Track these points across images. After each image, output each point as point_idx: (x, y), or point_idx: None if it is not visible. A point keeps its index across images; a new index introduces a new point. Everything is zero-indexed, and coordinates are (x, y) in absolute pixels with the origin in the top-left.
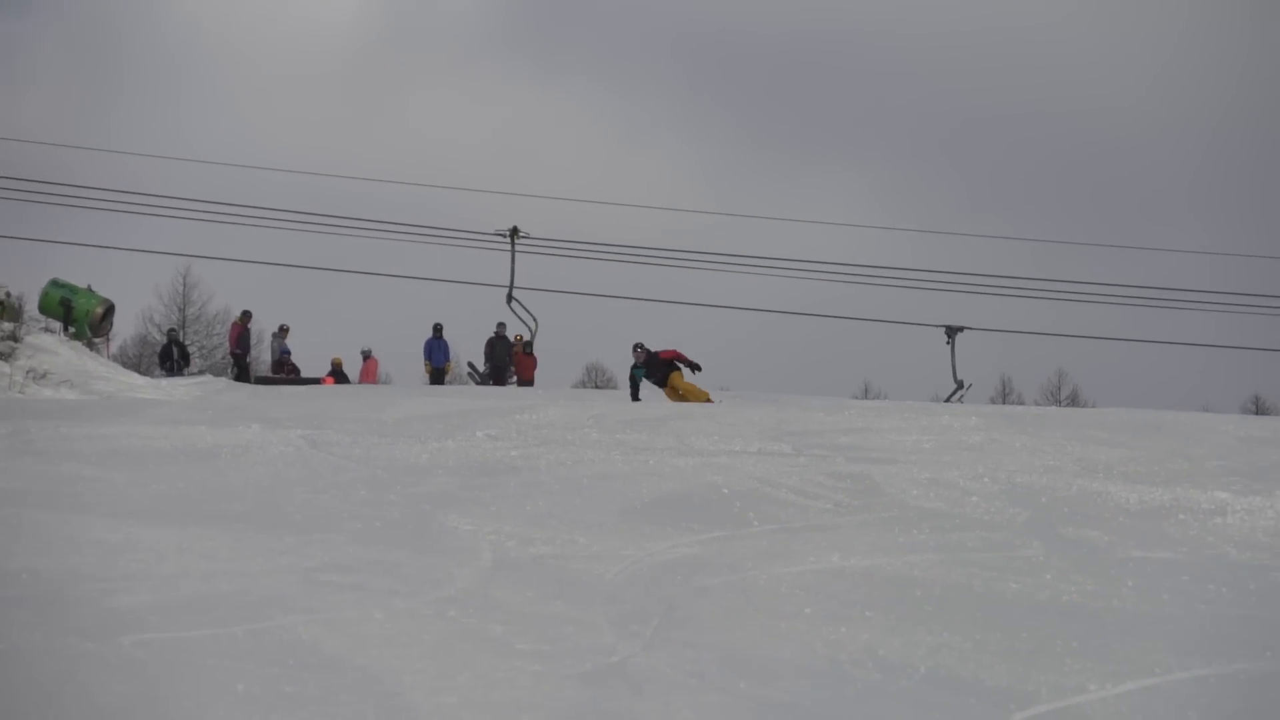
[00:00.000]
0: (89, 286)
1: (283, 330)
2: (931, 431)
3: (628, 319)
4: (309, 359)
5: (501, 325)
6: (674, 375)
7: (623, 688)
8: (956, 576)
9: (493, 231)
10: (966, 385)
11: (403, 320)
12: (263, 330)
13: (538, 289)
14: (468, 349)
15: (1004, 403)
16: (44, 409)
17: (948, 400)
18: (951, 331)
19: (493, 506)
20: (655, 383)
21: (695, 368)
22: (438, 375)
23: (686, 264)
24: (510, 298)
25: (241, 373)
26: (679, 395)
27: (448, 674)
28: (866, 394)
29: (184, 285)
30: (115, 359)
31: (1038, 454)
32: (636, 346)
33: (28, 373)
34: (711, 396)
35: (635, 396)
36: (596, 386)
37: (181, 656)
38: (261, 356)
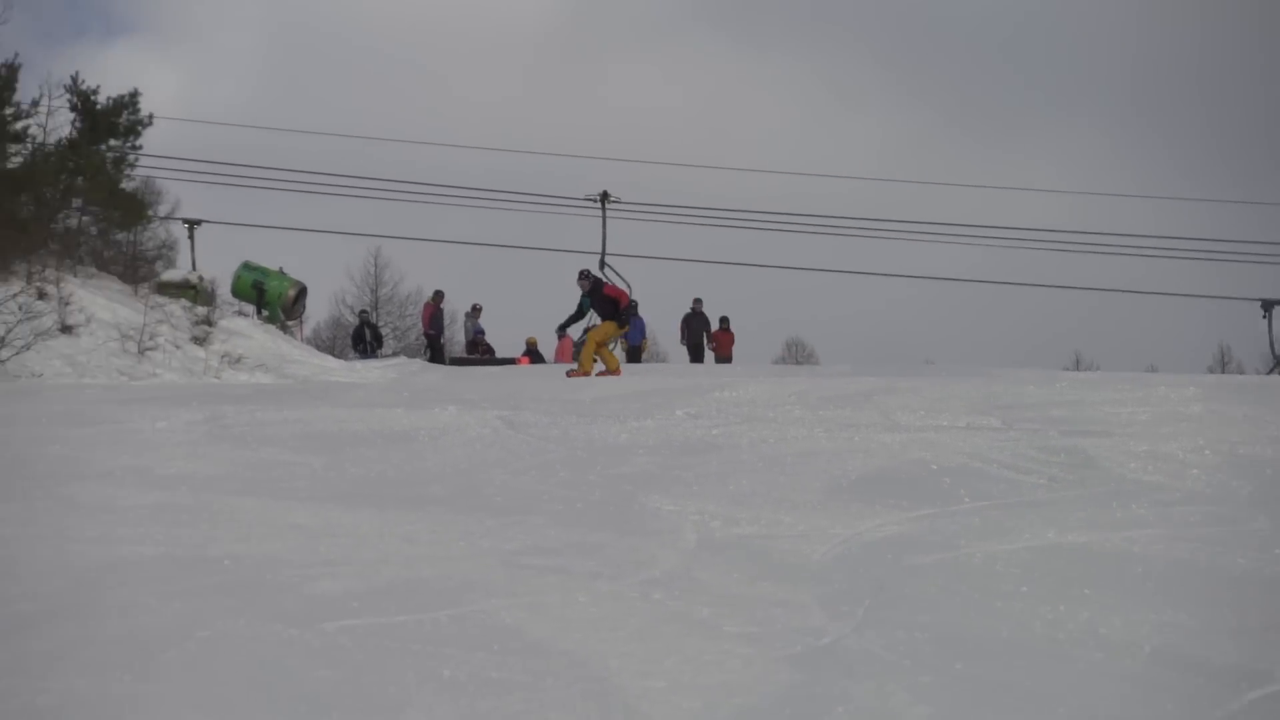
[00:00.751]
0: (281, 269)
1: (476, 310)
2: (1148, 403)
3: (829, 292)
4: (503, 339)
5: (698, 301)
6: (601, 330)
7: (835, 670)
8: (1179, 552)
9: (583, 197)
10: None
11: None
12: (456, 310)
13: (737, 263)
14: (663, 325)
15: (1223, 372)
16: (240, 393)
17: (1268, 374)
18: (1268, 305)
19: (695, 486)
20: (600, 314)
21: (623, 322)
22: (634, 353)
23: (883, 234)
24: (602, 264)
25: (435, 354)
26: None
27: (655, 657)
28: (1078, 365)
29: (375, 266)
30: (308, 342)
31: (1261, 424)
32: (583, 274)
33: (223, 357)
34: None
35: (564, 326)
36: (797, 362)
37: (385, 642)
38: (455, 337)
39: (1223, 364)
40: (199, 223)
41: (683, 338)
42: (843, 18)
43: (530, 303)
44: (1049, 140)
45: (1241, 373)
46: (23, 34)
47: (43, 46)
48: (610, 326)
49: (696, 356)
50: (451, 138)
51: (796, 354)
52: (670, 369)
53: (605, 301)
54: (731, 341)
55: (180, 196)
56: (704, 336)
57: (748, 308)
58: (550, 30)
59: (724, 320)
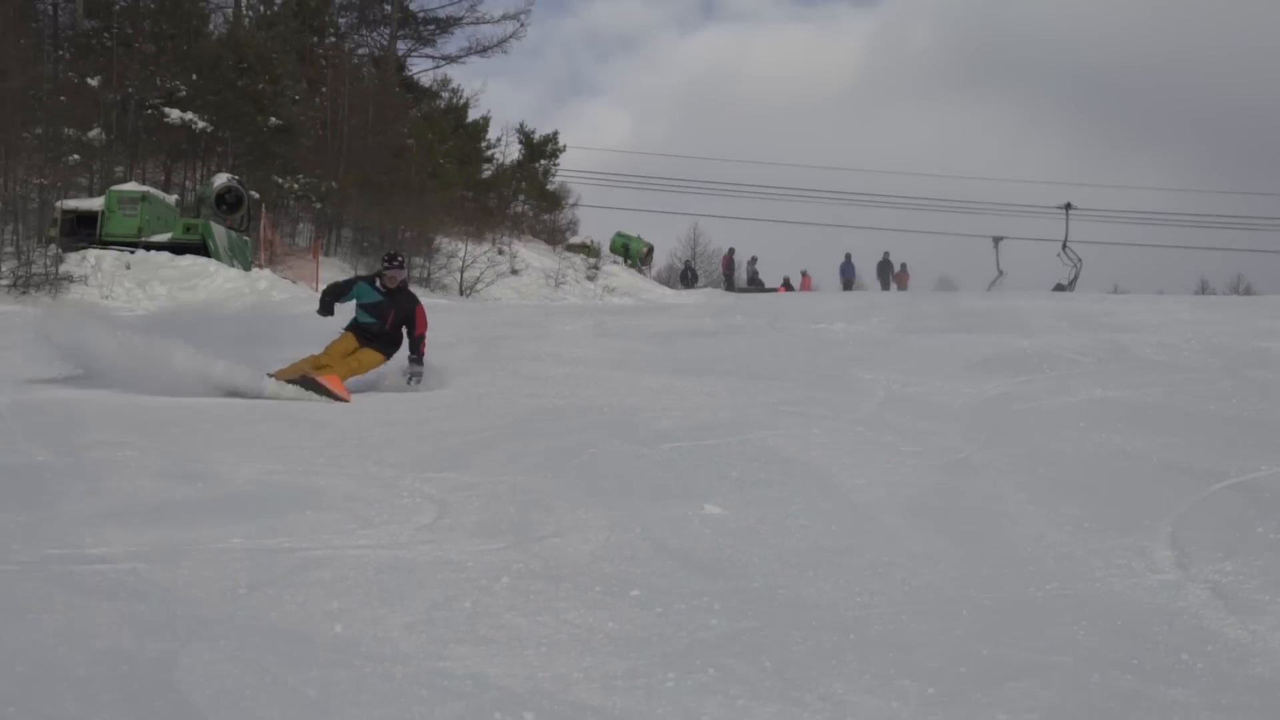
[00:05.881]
0: (639, 235)
1: (753, 259)
2: (1159, 312)
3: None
4: (769, 275)
5: (886, 253)
6: (373, 354)
7: (966, 473)
8: (1175, 402)
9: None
10: None
11: (823, 247)
12: (740, 259)
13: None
14: (866, 269)
15: (1203, 294)
16: (613, 309)
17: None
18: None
19: (883, 363)
20: (367, 322)
21: (414, 373)
22: (848, 284)
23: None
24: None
25: (729, 286)
26: (326, 362)
27: (859, 466)
28: (1115, 290)
29: (694, 233)
30: (655, 279)
31: (1227, 324)
32: (394, 257)
33: (604, 289)
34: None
35: (326, 306)
36: (950, 289)
37: (699, 457)
38: (739, 275)
39: (1203, 289)
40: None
41: (877, 275)
42: (1048, 77)
43: (786, 254)
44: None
45: (1215, 294)
46: (541, 96)
47: (553, 100)
48: (376, 357)
49: (885, 287)
50: (777, 157)
51: (946, 284)
52: (868, 295)
53: (400, 309)
54: (908, 278)
55: (582, 193)
56: (889, 275)
57: (916, 257)
58: (852, 87)
59: (903, 265)
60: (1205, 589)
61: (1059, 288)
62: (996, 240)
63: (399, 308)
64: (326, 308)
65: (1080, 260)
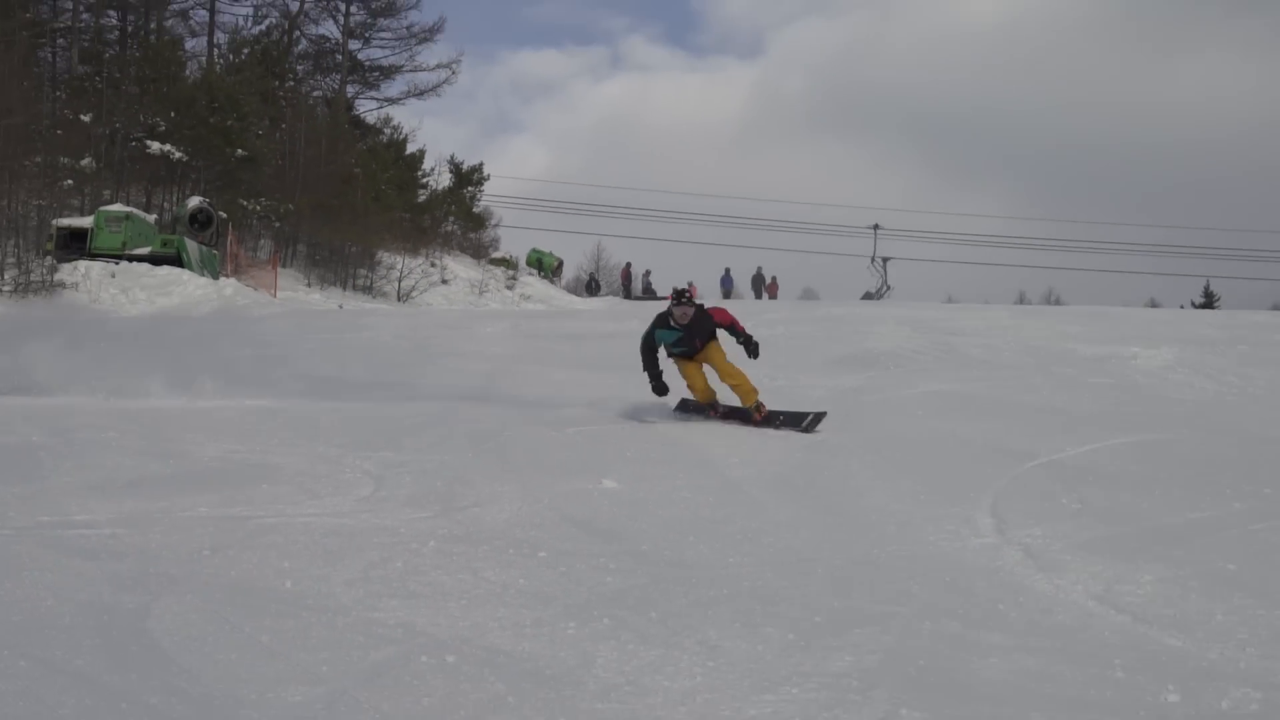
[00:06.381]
0: (551, 251)
1: (648, 272)
2: (985, 319)
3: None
4: (661, 286)
5: (759, 268)
6: (714, 350)
7: (825, 453)
8: (996, 394)
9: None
10: None
11: (707, 263)
12: (637, 272)
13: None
14: (742, 281)
15: (1021, 303)
16: (528, 314)
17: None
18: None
19: (766, 360)
20: (682, 353)
21: (751, 347)
22: (727, 294)
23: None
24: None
25: (627, 295)
26: (705, 382)
27: (734, 448)
28: (949, 300)
29: (598, 250)
30: (564, 288)
31: (1039, 330)
32: (681, 294)
33: (520, 296)
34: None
35: (656, 377)
36: (811, 298)
37: (599, 439)
38: (636, 286)
39: (1021, 300)
40: None
41: (752, 286)
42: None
43: (681, 269)
44: None
45: (1030, 304)
46: (473, 132)
47: (484, 136)
48: (722, 352)
49: (758, 296)
50: (671, 186)
51: (809, 295)
52: (744, 303)
53: (705, 331)
54: (777, 289)
55: (503, 215)
56: (761, 286)
57: (785, 271)
58: (736, 127)
59: (773, 277)
60: (1019, 550)
61: (868, 296)
62: (884, 260)
63: (701, 333)
64: (659, 381)
65: (885, 273)
